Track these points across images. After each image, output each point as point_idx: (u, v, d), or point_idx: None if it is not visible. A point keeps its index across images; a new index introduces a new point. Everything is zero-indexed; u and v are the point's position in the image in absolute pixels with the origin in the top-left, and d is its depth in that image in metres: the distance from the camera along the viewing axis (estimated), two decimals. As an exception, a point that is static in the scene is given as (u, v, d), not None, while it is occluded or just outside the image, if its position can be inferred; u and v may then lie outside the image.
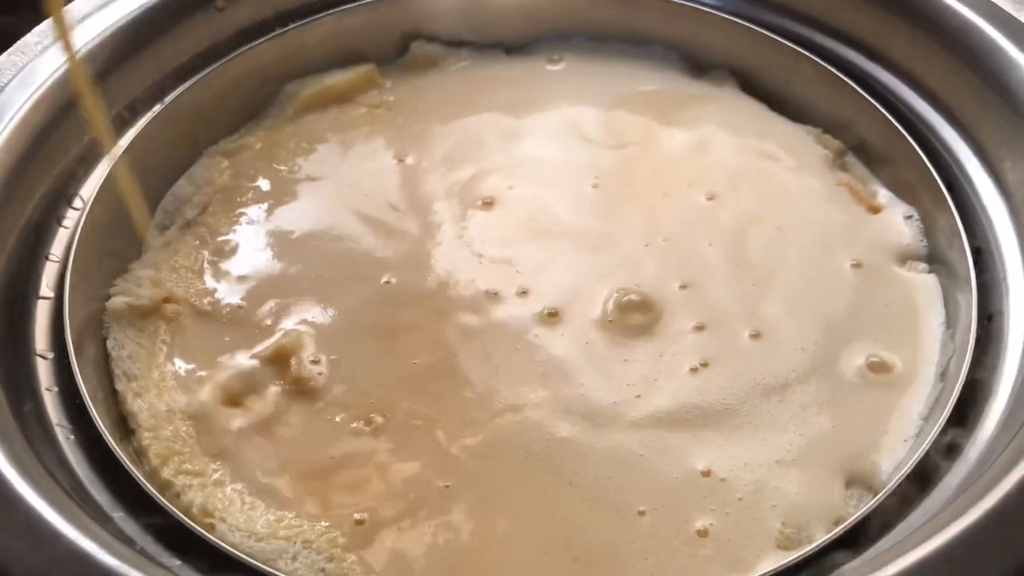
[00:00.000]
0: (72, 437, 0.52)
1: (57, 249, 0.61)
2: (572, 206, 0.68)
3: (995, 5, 0.64)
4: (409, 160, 0.71)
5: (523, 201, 0.68)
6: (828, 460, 0.53)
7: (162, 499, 0.50)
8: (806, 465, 0.53)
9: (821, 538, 0.48)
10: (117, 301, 0.60)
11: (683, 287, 0.62)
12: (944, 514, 0.43)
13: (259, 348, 0.59)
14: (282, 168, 0.71)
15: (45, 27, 0.67)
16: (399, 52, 0.80)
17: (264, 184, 0.70)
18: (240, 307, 0.62)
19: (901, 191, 0.67)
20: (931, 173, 0.63)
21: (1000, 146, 0.61)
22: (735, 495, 0.52)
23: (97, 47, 0.66)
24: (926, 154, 0.64)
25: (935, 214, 0.63)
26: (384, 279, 0.63)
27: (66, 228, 0.62)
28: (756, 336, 0.59)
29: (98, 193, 0.63)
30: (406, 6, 0.79)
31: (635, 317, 0.61)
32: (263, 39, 0.74)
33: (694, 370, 0.58)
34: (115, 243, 0.64)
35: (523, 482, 0.53)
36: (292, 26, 0.75)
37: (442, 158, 0.71)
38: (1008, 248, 0.58)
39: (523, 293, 0.62)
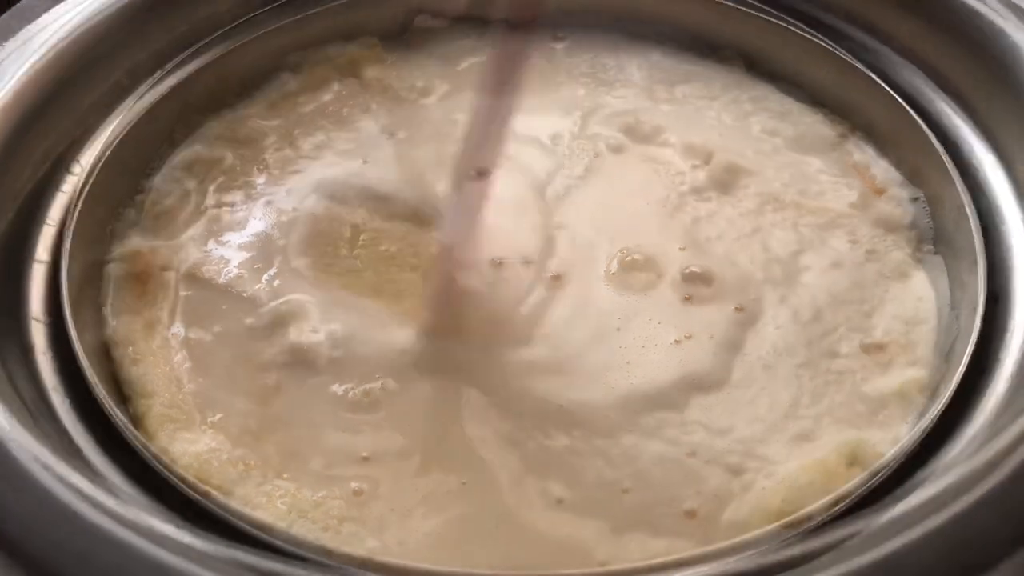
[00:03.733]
0: (68, 401, 0.52)
1: (55, 214, 0.60)
2: (569, 177, 0.68)
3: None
4: (401, 134, 0.71)
5: (521, 172, 0.67)
6: (822, 440, 0.53)
7: (159, 465, 0.49)
8: (797, 445, 0.53)
9: (823, 515, 0.47)
10: (114, 267, 0.60)
11: (682, 249, 0.62)
12: (946, 491, 0.43)
13: (256, 317, 0.59)
14: (282, 141, 0.71)
15: (48, -10, 0.66)
16: (403, 27, 0.79)
17: (264, 156, 0.69)
18: (240, 276, 0.61)
19: (907, 173, 0.66)
20: (939, 155, 0.62)
21: (1008, 133, 0.61)
22: (722, 479, 0.51)
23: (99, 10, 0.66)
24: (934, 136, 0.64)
25: (942, 195, 0.62)
26: (384, 247, 0.63)
27: (64, 193, 0.61)
28: (741, 310, 0.59)
29: (98, 159, 0.62)
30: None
31: (638, 276, 0.61)
32: (266, 8, 0.73)
33: (678, 342, 0.57)
34: (114, 209, 0.64)
35: (513, 461, 0.53)
36: (297, -2, 0.75)
37: (434, 133, 0.71)
38: (1015, 229, 0.58)
39: (527, 259, 0.62)
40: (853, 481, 0.50)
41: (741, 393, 0.55)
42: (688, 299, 0.60)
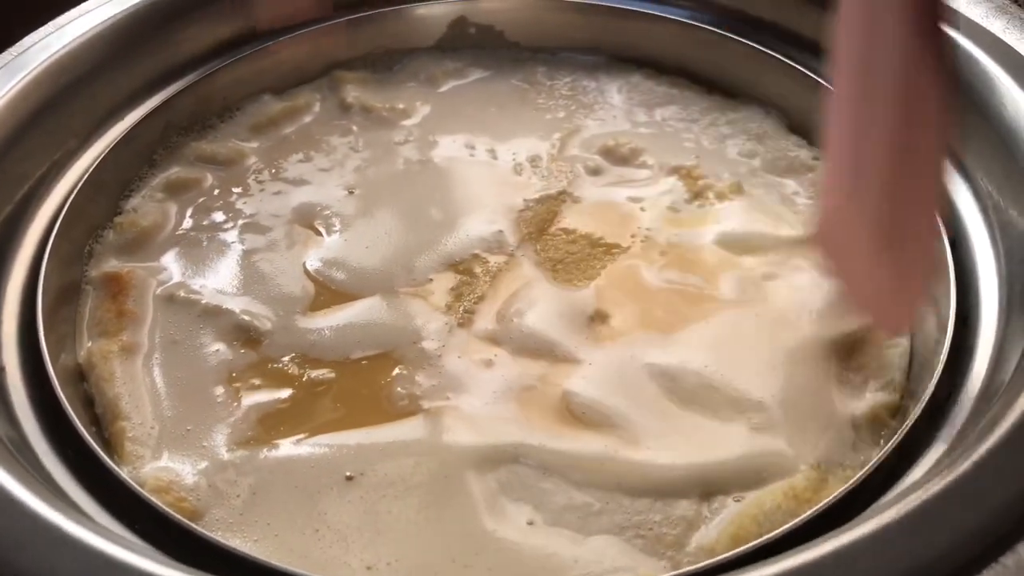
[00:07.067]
0: (39, 423, 0.52)
1: (33, 234, 0.61)
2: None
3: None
4: (382, 162, 0.72)
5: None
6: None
7: (129, 488, 0.49)
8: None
9: (790, 539, 0.48)
10: (91, 288, 0.61)
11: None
12: (910, 514, 0.43)
13: (219, 328, 0.60)
14: (263, 163, 0.72)
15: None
16: (384, 50, 0.80)
17: (245, 178, 0.70)
18: (217, 298, 0.61)
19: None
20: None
21: (976, 159, 0.62)
22: (691, 502, 0.51)
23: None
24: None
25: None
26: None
27: (43, 213, 0.62)
28: None
29: (77, 180, 0.63)
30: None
31: None
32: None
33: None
34: (92, 230, 0.65)
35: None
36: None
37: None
38: (981, 252, 0.58)
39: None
40: (820, 504, 0.51)
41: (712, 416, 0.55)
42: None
